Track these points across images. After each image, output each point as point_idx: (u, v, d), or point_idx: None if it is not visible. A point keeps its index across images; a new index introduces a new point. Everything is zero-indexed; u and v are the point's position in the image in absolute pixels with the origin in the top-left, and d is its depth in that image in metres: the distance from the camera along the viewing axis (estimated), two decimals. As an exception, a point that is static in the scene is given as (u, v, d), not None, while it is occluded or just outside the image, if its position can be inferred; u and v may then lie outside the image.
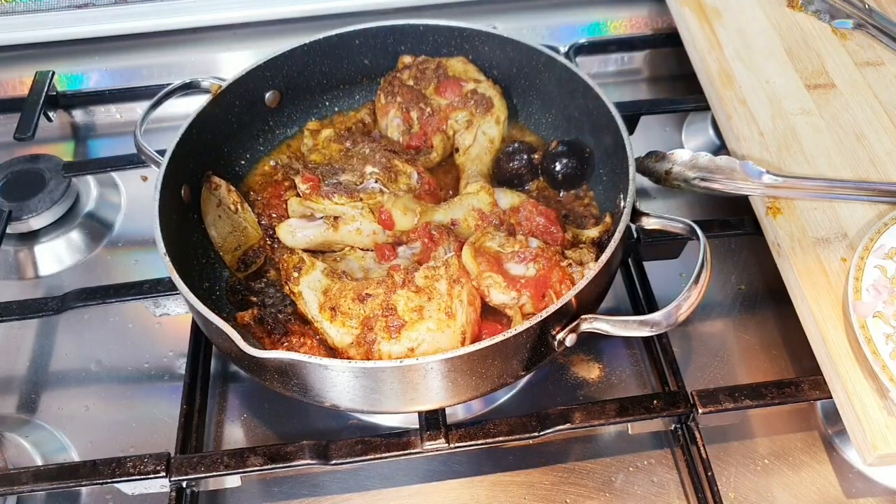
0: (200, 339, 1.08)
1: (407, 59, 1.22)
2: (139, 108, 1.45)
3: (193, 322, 1.08)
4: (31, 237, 1.27)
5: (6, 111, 1.45)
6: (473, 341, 0.90)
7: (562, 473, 1.00)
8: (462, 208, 1.05)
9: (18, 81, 1.49)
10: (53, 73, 1.43)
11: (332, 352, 0.94)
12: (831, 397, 0.93)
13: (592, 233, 1.05)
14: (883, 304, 0.93)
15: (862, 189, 1.06)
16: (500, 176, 1.15)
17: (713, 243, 1.08)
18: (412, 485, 0.99)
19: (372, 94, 1.26)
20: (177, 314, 1.09)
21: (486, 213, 1.04)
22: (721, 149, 1.31)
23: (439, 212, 1.05)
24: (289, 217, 1.07)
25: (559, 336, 0.87)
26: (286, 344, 0.97)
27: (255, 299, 1.04)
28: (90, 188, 1.34)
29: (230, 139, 1.16)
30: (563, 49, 1.41)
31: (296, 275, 0.97)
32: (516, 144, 1.16)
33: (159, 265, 0.96)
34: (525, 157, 1.14)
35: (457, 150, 1.17)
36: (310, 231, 1.04)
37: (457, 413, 1.05)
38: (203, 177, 1.10)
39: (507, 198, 1.07)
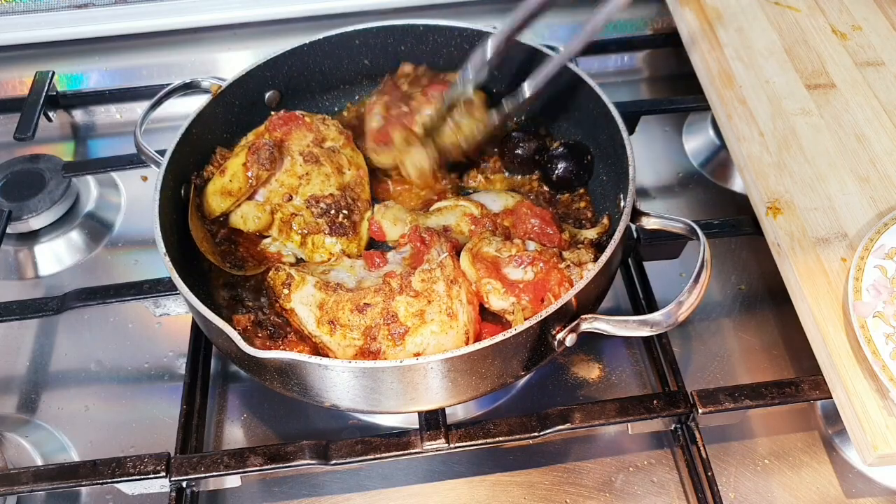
0: (200, 339, 1.08)
1: (407, 68, 1.20)
2: (139, 108, 1.45)
3: (193, 322, 1.08)
4: (31, 237, 1.27)
5: (6, 111, 1.45)
6: (476, 340, 0.90)
7: (562, 473, 1.00)
8: (454, 214, 1.05)
9: (18, 81, 1.49)
10: (53, 73, 1.43)
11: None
12: (831, 397, 0.93)
13: (591, 233, 1.05)
14: (883, 304, 0.93)
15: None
16: (508, 161, 1.14)
17: (713, 243, 1.08)
18: (412, 485, 0.99)
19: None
20: (177, 314, 1.09)
21: (477, 217, 1.04)
22: (721, 149, 1.32)
23: (430, 219, 1.04)
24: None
25: (559, 336, 0.86)
26: (282, 343, 0.96)
27: (251, 304, 1.03)
28: (90, 188, 1.34)
29: (230, 139, 1.16)
30: (562, 49, 1.41)
31: (286, 292, 0.94)
32: (524, 132, 1.16)
33: (159, 265, 0.96)
34: (533, 145, 1.14)
35: (430, 135, 1.12)
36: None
37: (457, 413, 1.05)
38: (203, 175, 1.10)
39: (502, 200, 1.06)
